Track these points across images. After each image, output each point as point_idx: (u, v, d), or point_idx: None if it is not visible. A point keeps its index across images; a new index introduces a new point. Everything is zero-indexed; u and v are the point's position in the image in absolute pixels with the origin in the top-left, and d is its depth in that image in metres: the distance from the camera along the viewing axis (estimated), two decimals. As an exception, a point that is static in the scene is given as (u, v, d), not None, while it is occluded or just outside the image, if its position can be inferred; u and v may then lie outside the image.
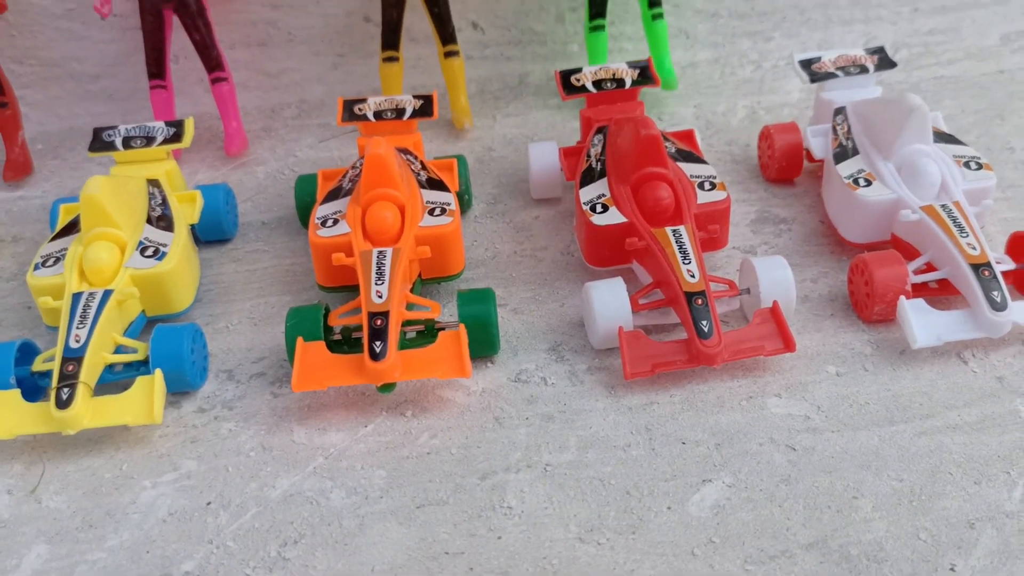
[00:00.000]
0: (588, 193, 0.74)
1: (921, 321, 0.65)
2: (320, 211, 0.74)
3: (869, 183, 0.73)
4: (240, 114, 0.96)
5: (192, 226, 0.79)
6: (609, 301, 0.67)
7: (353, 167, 0.78)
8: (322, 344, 0.65)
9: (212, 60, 0.92)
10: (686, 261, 0.67)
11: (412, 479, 0.61)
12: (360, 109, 0.83)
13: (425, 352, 0.65)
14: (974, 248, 0.67)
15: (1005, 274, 0.69)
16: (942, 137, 0.77)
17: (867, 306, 0.69)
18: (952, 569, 0.53)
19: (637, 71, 0.83)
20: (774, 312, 0.66)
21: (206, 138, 0.98)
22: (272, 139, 0.97)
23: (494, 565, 0.55)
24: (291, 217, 0.86)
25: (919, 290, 0.69)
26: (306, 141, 0.97)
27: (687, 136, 0.83)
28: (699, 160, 0.77)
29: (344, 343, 0.68)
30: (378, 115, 0.82)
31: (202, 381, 0.69)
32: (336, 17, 0.98)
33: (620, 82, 0.83)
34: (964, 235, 0.68)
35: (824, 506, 0.57)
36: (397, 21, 0.92)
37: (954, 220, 0.69)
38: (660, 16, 0.95)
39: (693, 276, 0.66)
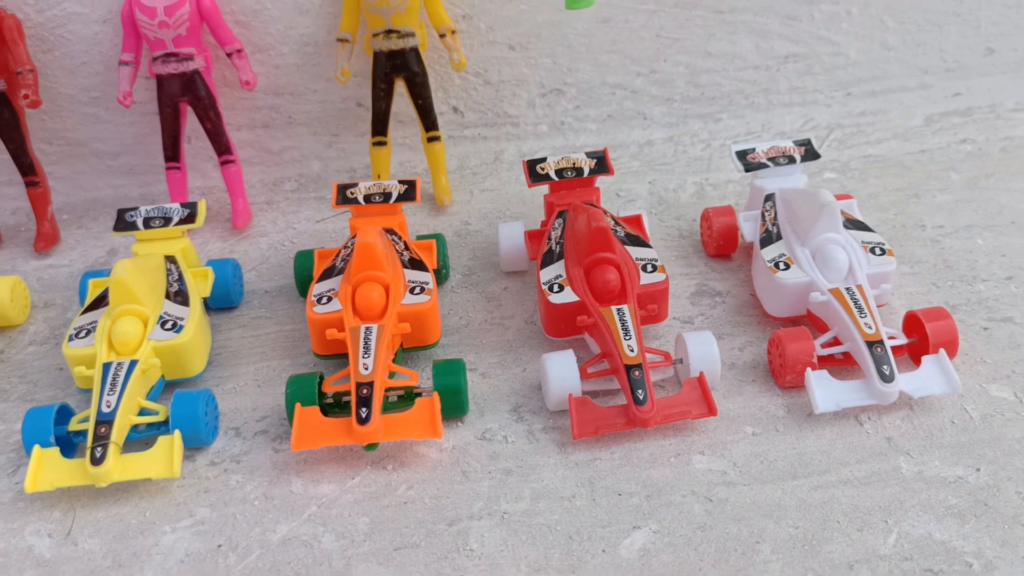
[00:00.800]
0: (547, 274, 0.86)
1: (823, 390, 0.77)
2: (317, 288, 0.86)
3: (788, 267, 0.85)
4: (246, 190, 1.08)
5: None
6: (561, 371, 0.79)
7: (345, 247, 0.90)
8: (316, 409, 0.77)
9: (222, 145, 1.04)
10: (627, 337, 0.79)
11: (391, 525, 0.72)
12: (352, 193, 0.95)
13: (404, 416, 0.76)
14: (870, 327, 0.79)
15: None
16: (854, 224, 0.89)
17: (781, 375, 0.80)
18: (832, 603, 0.65)
19: (594, 160, 0.95)
20: (700, 381, 0.78)
21: (216, 210, 1.10)
22: (274, 211, 1.09)
23: (457, 599, 0.67)
24: (291, 286, 0.98)
25: (825, 361, 0.81)
26: (304, 213, 1.09)
27: (635, 221, 0.94)
28: (644, 244, 0.88)
29: (336, 406, 0.80)
30: (367, 199, 0.94)
31: (214, 438, 0.80)
32: (332, 103, 1.11)
33: (579, 171, 0.95)
34: (863, 316, 0.79)
35: (731, 550, 0.69)
36: (385, 111, 1.04)
37: (855, 302, 0.80)
38: None
39: (632, 351, 0.78)
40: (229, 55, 1.02)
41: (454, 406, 0.79)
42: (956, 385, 0.76)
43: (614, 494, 0.73)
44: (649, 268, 0.85)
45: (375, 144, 1.06)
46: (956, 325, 0.80)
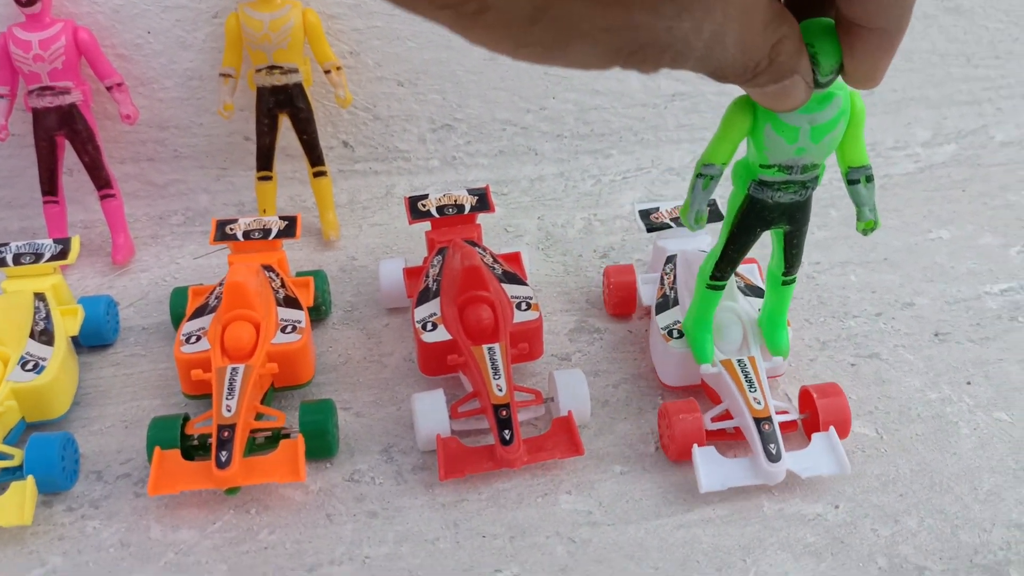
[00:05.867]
0: (422, 312, 0.85)
1: (708, 469, 0.74)
2: (187, 327, 0.84)
3: (681, 335, 0.81)
4: (128, 224, 1.06)
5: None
6: (430, 411, 0.79)
7: (220, 284, 0.89)
8: (177, 452, 0.75)
9: (101, 179, 1.03)
10: (496, 376, 0.79)
11: (249, 572, 0.71)
12: (231, 229, 0.94)
13: (266, 458, 0.75)
14: (759, 403, 0.75)
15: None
16: (751, 290, 0.85)
17: (669, 448, 0.77)
18: (685, 644, 0.65)
19: (476, 198, 0.96)
20: (568, 421, 0.79)
21: (98, 243, 1.08)
22: (158, 246, 1.07)
23: (310, 648, 0.66)
24: (169, 323, 0.96)
25: (715, 435, 0.78)
26: (189, 248, 1.07)
27: (515, 258, 0.95)
28: (521, 282, 0.89)
29: (201, 448, 0.78)
30: (247, 235, 0.93)
31: (72, 483, 0.78)
32: (219, 137, 1.09)
33: (460, 207, 0.95)
34: (753, 390, 0.76)
35: (591, 591, 0.69)
36: (270, 146, 1.03)
37: (746, 375, 0.77)
38: (791, 282, 0.77)
39: (501, 390, 0.78)
40: (109, 88, 1.00)
41: (321, 448, 0.78)
42: (845, 466, 0.74)
43: (478, 536, 0.73)
44: (524, 306, 0.86)
45: (260, 179, 1.05)
46: (848, 403, 0.78)
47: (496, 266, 0.90)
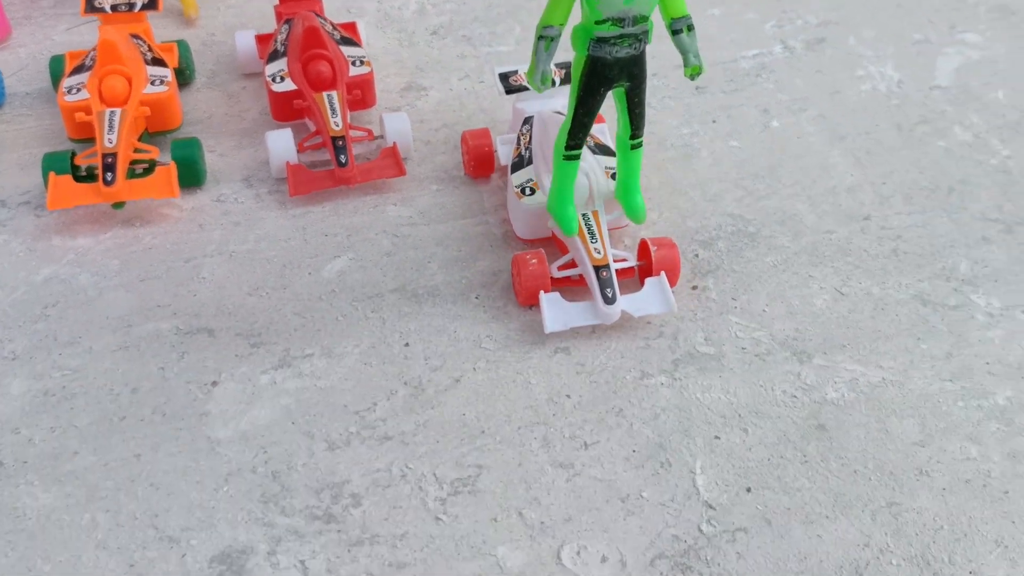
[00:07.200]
0: (272, 68, 1.02)
1: (552, 311, 0.83)
2: (67, 82, 0.99)
3: (533, 192, 0.88)
4: (3, 5, 1.17)
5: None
6: (280, 144, 0.97)
7: (94, 48, 1.03)
8: (69, 177, 0.92)
9: (-27, -39, 1.13)
10: (334, 116, 0.97)
11: (137, 265, 0.89)
12: (100, 3, 1.07)
13: (145, 180, 0.92)
14: (599, 252, 0.84)
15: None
16: (601, 149, 0.91)
17: (520, 293, 0.86)
18: (476, 297, 0.87)
19: (314, -23, 1.11)
20: (393, 150, 0.98)
21: (-26, 25, 1.19)
22: (32, 26, 1.19)
23: (190, 311, 0.85)
24: (50, 89, 1.10)
25: (561, 282, 0.86)
26: (62, 27, 1.19)
27: (351, 27, 1.11)
28: (356, 44, 1.06)
29: (88, 177, 0.95)
30: (114, 8, 1.06)
31: (-19, 208, 0.94)
32: (81, -76, 1.20)
33: (307, -14, 1.10)
34: (594, 241, 0.84)
35: (408, 268, 0.90)
36: (130, -69, 1.15)
37: (589, 228, 0.85)
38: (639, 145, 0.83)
39: (338, 125, 0.96)
40: None
41: (190, 175, 0.96)
42: (672, 306, 0.83)
43: (322, 235, 0.93)
44: (357, 63, 1.03)
45: (123, -38, 1.17)
46: (679, 254, 0.86)
47: (335, 32, 1.06)
